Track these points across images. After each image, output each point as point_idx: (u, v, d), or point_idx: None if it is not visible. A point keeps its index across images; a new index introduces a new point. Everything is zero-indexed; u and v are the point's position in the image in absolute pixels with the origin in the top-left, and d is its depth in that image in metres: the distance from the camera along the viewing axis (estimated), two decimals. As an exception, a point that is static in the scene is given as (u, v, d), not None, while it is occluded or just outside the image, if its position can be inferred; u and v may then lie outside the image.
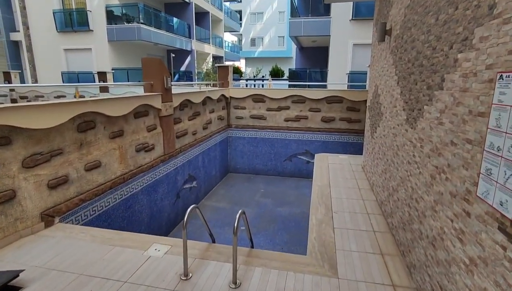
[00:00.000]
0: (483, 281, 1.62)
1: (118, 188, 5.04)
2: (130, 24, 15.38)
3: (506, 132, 1.47)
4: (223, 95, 10.11)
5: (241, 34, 39.79)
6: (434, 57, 2.47)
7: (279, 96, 10.26)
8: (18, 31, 16.42)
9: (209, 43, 23.96)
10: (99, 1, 15.19)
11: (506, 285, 1.43)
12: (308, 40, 15.47)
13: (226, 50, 29.11)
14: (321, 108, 10.09)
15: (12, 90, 12.72)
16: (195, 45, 21.04)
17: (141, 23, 15.47)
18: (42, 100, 10.93)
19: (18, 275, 2.69)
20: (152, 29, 16.21)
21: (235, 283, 2.70)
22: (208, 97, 8.87)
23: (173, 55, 19.35)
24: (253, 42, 39.94)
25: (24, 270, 2.78)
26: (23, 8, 14.13)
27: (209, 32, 23.64)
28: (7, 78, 12.65)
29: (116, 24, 15.62)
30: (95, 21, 15.43)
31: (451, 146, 2.09)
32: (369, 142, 5.65)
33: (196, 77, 20.49)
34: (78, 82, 15.95)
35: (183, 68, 20.93)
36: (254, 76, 32.60)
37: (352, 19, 12.61)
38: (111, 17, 15.69)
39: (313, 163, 10.42)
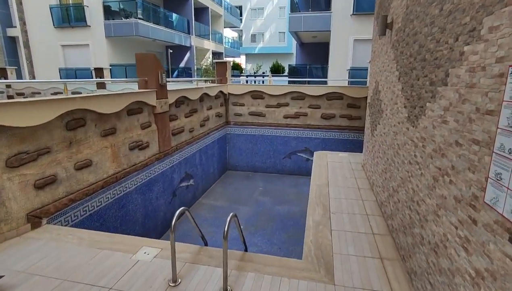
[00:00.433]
0: (491, 297, 1.47)
1: (110, 187, 4.90)
2: (127, 20, 15.17)
3: (519, 133, 1.31)
4: (221, 91, 9.94)
5: (241, 30, 39.46)
6: (438, 51, 2.30)
7: (278, 93, 10.09)
8: (15, 26, 16.22)
9: (209, 39, 23.71)
10: (96, -4, 14.99)
11: (518, 304, 1.28)
12: (308, 35, 15.24)
13: (226, 46, 28.86)
14: (321, 105, 9.92)
15: (8, 86, 12.58)
16: (194, 41, 20.81)
17: (139, 18, 15.26)
18: (39, 97, 10.77)
19: (-3, 281, 2.56)
20: (151, 24, 16.00)
21: (225, 290, 2.57)
22: (206, 94, 8.70)
23: (171, 51, 19.13)
24: (253, 38, 39.62)
25: (3, 275, 2.65)
26: (20, 3, 13.92)
27: (208, 28, 23.39)
28: (3, 74, 12.50)
29: (113, 19, 15.41)
30: (92, 16, 15.22)
31: (456, 146, 1.93)
32: (369, 140, 5.49)
33: (195, 74, 20.29)
34: (76, 78, 15.80)
35: (182, 65, 20.73)
36: (254, 73, 32.36)
37: (353, 14, 12.38)
38: (108, 12, 15.47)
39: (313, 160, 10.29)
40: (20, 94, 12.70)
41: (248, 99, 10.43)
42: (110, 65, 15.10)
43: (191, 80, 14.33)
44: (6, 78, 12.52)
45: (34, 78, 15.02)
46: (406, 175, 3.01)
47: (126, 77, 15.26)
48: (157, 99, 6.07)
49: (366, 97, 9.42)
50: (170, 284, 2.68)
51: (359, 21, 12.41)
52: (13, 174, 3.39)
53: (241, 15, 37.59)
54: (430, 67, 2.47)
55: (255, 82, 21.97)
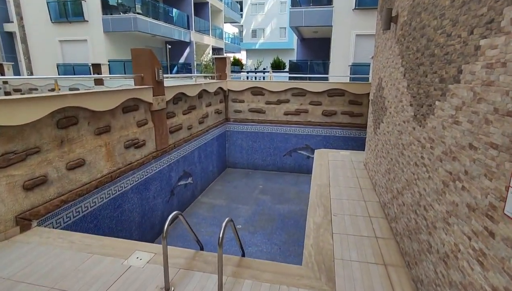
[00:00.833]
0: (512, 320, 1.32)
1: (105, 187, 4.76)
2: (126, 15, 14.94)
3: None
4: (220, 88, 9.75)
5: (242, 26, 39.10)
6: (449, 45, 2.13)
7: (278, 89, 9.90)
8: (12, 21, 16.03)
9: (209, 35, 23.44)
10: (94, -9, 14.75)
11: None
12: (309, 30, 14.99)
13: (227, 41, 28.57)
14: (322, 102, 9.73)
15: (5, 83, 12.42)
16: (194, 36, 20.56)
17: (138, 13, 15.02)
18: (36, 94, 10.57)
19: (-20, 290, 2.42)
20: (149, 19, 15.76)
21: (220, 299, 2.43)
22: (205, 90, 8.53)
23: (169, 46, 18.88)
24: (254, 33, 39.26)
25: (-13, 284, 2.51)
26: (16, -2, 13.70)
27: (208, 23, 23.11)
28: (0, 70, 12.33)
29: (112, 14, 15.18)
30: (90, 11, 15.00)
31: (469, 149, 1.77)
32: (372, 138, 5.32)
33: (195, 70, 20.07)
34: (74, 74, 15.62)
35: (182, 60, 20.50)
36: (255, 69, 32.07)
37: (355, 9, 12.13)
38: (106, 7, 15.25)
39: (313, 157, 10.13)
40: (17, 91, 12.54)
41: (248, 95, 10.25)
42: (108, 61, 14.90)
43: (191, 76, 14.13)
44: (3, 74, 12.37)
45: (32, 74, 14.85)
46: (412, 177, 2.86)
47: (125, 73, 15.07)
48: (153, 96, 5.90)
49: (368, 94, 9.23)
50: (163, 292, 2.54)
51: (361, 16, 12.16)
52: (0, 175, 3.24)
53: (241, 10, 37.22)
54: (440, 63, 2.30)
55: (255, 78, 21.74)
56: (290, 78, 13.96)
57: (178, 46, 20.06)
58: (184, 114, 7.45)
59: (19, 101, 3.34)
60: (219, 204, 8.11)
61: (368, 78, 10.09)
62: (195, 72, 19.86)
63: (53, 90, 12.69)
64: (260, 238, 6.46)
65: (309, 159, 10.15)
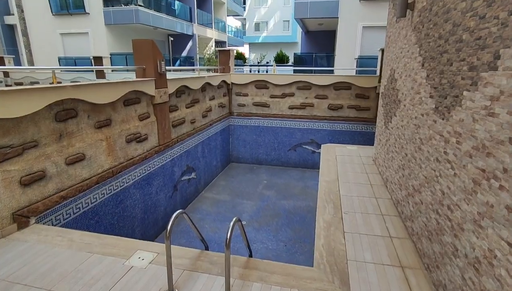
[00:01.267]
0: None
1: (106, 183, 4.61)
2: (127, 7, 14.69)
3: None
4: (224, 81, 9.54)
5: (245, 19, 38.62)
6: (482, 29, 1.92)
7: (283, 83, 9.67)
8: (13, 14, 15.83)
9: (212, 28, 23.13)
10: (95, -18, 14.50)
11: None
12: (314, 23, 14.68)
13: (229, 35, 28.22)
14: (328, 95, 9.50)
15: (6, 76, 12.28)
16: (196, 29, 20.27)
17: (139, 5, 14.76)
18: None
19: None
20: (151, 12, 15.50)
21: (228, 304, 2.27)
22: (208, 83, 8.33)
23: (172, 38, 18.61)
24: (257, 26, 38.79)
25: (-20, 286, 2.37)
26: (16, -10, 13.48)
27: (211, 16, 22.78)
28: (1, 63, 12.17)
29: (113, 6, 14.93)
30: (91, 3, 14.76)
31: (510, 144, 1.58)
32: (382, 133, 5.12)
33: (198, 63, 19.82)
34: (76, 68, 15.43)
35: (184, 54, 20.25)
36: (258, 62, 31.71)
37: (362, 0, 11.80)
38: (108, -1, 15.02)
39: (319, 153, 9.92)
40: (18, 84, 12.40)
41: (252, 89, 10.04)
42: (110, 54, 14.70)
43: (193, 69, 13.90)
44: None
45: (56, 82, 14.67)
46: (432, 173, 2.66)
47: (127, 65, 14.87)
48: (156, 88, 5.72)
49: (376, 87, 9.00)
50: (166, 296, 2.39)
51: (368, 7, 11.84)
52: (-5, 170, 3.09)
53: (244, 3, 36.73)
54: (469, 49, 2.09)
55: (258, 72, 21.44)
56: (294, 71, 13.69)
57: (181, 40, 19.80)
58: (187, 107, 7.27)
59: (15, 93, 3.17)
60: (223, 199, 7.96)
61: (375, 71, 9.83)
62: (198, 66, 19.61)
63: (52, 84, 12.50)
64: (265, 234, 6.31)
65: (314, 154, 9.96)
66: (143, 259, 2.84)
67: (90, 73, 12.21)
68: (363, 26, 11.96)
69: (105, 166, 4.59)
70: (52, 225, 3.70)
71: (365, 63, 11.82)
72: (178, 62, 19.46)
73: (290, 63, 23.20)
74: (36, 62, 15.15)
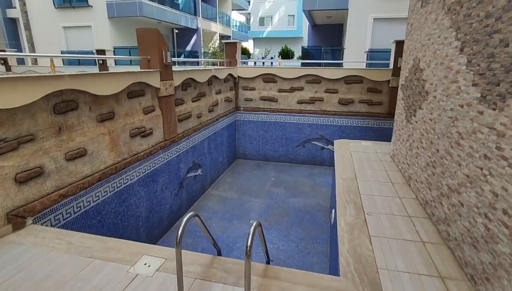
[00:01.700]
0: None
1: (109, 180, 4.33)
2: (131, -1, 14.37)
3: None
4: (230, 74, 9.21)
5: (249, 13, 38.14)
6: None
7: (292, 76, 9.32)
8: (15, 7, 15.57)
9: (216, 22, 22.74)
10: (98, -26, 14.17)
11: None
12: (322, 15, 14.27)
13: (234, 29, 27.81)
14: (338, 89, 9.14)
15: (8, 70, 12.06)
16: (201, 23, 19.91)
17: (143, -3, 14.43)
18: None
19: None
20: (155, 4, 15.17)
21: (247, 321, 1.98)
22: (214, 77, 8.01)
23: (176, 31, 18.25)
24: (261, 21, 38.32)
25: (-34, 297, 2.10)
26: (18, -18, 13.21)
27: (216, 10, 22.38)
28: (3, 57, 11.93)
29: (116, -1, 14.62)
30: (94, -5, 14.46)
31: None
32: (403, 128, 4.78)
33: (202, 57, 19.48)
34: (79, 63, 15.19)
35: (188, 48, 19.92)
36: (262, 58, 31.27)
37: (373, -10, 11.39)
38: (111, -9, 14.69)
39: (328, 149, 9.60)
40: (20, 78, 12.17)
41: (260, 83, 9.70)
42: (113, 48, 14.42)
43: (198, 61, 13.57)
44: (5, 61, 11.99)
45: (36, 62, 14.44)
46: (477, 172, 2.34)
47: (131, 61, 14.59)
48: (161, 80, 5.41)
49: (389, 81, 8.62)
50: (176, 310, 2.10)
51: (380, -2, 11.42)
52: (-13, 166, 2.81)
53: (249, -3, 36.23)
54: (536, 24, 1.76)
55: (263, 64, 21.03)
56: (302, 65, 13.32)
57: (185, 33, 19.46)
58: (193, 101, 6.96)
59: (8, 81, 2.88)
60: (230, 197, 7.68)
61: (388, 64, 9.45)
62: (202, 62, 19.28)
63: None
64: (275, 234, 6.02)
65: (323, 150, 9.64)
66: (149, 266, 2.56)
67: (93, 67, 11.95)
68: (374, 18, 11.55)
69: (108, 161, 4.31)
70: (51, 225, 3.43)
71: (376, 56, 11.43)
72: (182, 56, 19.14)
73: (295, 59, 22.79)
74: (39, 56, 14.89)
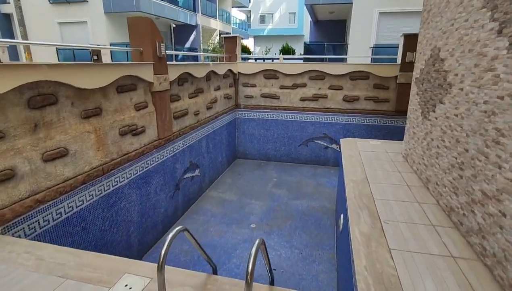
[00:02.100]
0: None
1: (95, 182, 3.92)
2: (128, -6, 13.94)
3: None
4: (230, 70, 8.79)
5: (250, 11, 37.70)
6: None
7: (294, 72, 8.90)
8: (9, 2, 15.15)
9: (216, 18, 22.30)
10: (94, -32, 13.74)
11: None
12: (325, 10, 13.84)
13: (234, 26, 27.38)
14: (343, 86, 8.72)
15: None
16: (200, 19, 19.48)
17: (140, -8, 14.01)
18: None
19: None
20: (153, -1, 14.75)
21: None
22: (213, 72, 7.59)
23: (174, 25, 17.78)
24: (262, 19, 37.86)
25: None
26: (11, -25, 12.80)
27: (215, 6, 21.94)
28: (-6, 53, 11.54)
29: (113, -7, 14.20)
30: (89, -10, 14.03)
31: None
32: (418, 125, 4.36)
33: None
34: (74, 59, 14.78)
35: (187, 45, 19.50)
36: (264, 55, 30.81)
37: (378, -17, 10.96)
38: (107, -15, 14.26)
39: (332, 148, 9.19)
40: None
41: (260, 79, 9.28)
42: (110, 44, 14.01)
43: (197, 59, 13.15)
44: (-3, 57, 11.60)
45: (31, 59, 14.02)
46: (528, 177, 1.92)
47: (128, 58, 14.17)
48: (154, 74, 5.00)
49: (397, 76, 8.20)
50: None
51: (385, -9, 10.99)
52: None
53: (249, -6, 35.76)
54: None
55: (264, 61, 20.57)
56: (305, 60, 12.89)
57: (184, 30, 19.03)
58: (190, 98, 6.54)
59: (-32, 69, 2.47)
60: (230, 199, 7.27)
61: (395, 59, 9.02)
62: (201, 58, 18.85)
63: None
64: (277, 239, 5.61)
65: (327, 149, 9.23)
66: (130, 288, 2.14)
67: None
68: (379, 12, 11.12)
69: (93, 162, 3.90)
70: (25, 235, 3.02)
71: (381, 52, 11.00)
72: (180, 55, 18.70)
73: (296, 56, 22.34)
74: (33, 52, 14.48)
